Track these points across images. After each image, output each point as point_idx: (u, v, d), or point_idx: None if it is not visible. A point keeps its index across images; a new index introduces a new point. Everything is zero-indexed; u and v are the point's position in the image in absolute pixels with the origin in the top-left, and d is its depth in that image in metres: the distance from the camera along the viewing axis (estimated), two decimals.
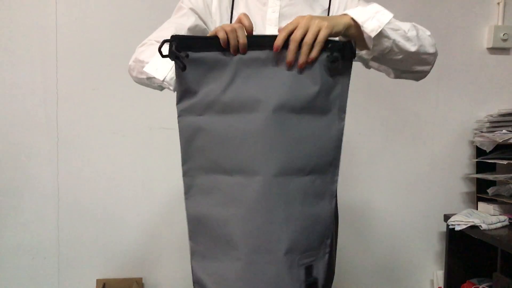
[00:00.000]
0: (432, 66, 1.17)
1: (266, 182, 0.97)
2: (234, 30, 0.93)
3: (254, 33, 1.16)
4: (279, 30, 0.96)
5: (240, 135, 0.97)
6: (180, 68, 0.94)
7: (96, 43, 2.08)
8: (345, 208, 2.35)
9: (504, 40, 2.28)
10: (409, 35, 1.07)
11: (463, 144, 2.33)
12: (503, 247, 1.79)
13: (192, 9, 1.23)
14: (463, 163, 2.34)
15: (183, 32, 1.20)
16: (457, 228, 2.02)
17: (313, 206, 1.02)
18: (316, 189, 1.03)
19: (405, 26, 1.08)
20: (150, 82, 1.09)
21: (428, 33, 1.14)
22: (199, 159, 1.01)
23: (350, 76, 1.01)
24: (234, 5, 1.25)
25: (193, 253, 1.06)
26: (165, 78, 1.03)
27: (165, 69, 1.03)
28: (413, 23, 1.12)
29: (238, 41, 0.94)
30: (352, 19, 1.01)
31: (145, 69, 1.06)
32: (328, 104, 1.01)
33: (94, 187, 2.11)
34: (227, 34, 0.93)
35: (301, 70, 0.96)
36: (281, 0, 1.24)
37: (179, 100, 1.00)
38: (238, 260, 0.98)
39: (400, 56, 1.08)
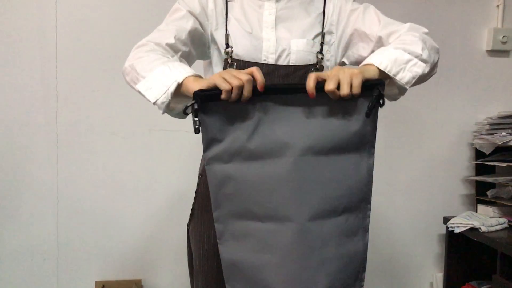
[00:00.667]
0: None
1: (299, 228, 0.95)
2: (241, 86, 0.92)
3: (252, 34, 1.16)
4: (308, 78, 0.93)
5: (269, 181, 0.96)
6: (197, 128, 0.94)
7: (96, 44, 2.08)
8: None
9: (504, 43, 2.28)
10: (424, 57, 1.07)
11: (463, 146, 2.33)
12: (502, 249, 1.79)
13: (189, 12, 1.22)
14: (462, 165, 2.34)
15: (183, 34, 1.18)
16: (457, 230, 2.02)
17: (348, 245, 1.02)
18: (349, 227, 1.02)
19: (418, 49, 1.07)
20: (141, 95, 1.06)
21: (432, 42, 1.15)
22: (229, 206, 1.00)
23: (378, 112, 0.99)
24: (228, 8, 1.24)
25: None
26: (156, 101, 1.00)
27: (158, 92, 1.00)
28: (418, 33, 1.13)
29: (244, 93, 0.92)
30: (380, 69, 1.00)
31: (137, 87, 1.04)
32: (358, 142, 1.00)
33: (93, 189, 2.11)
34: (231, 85, 0.91)
35: (329, 113, 0.95)
36: (277, 3, 1.24)
37: (206, 148, 0.99)
38: None
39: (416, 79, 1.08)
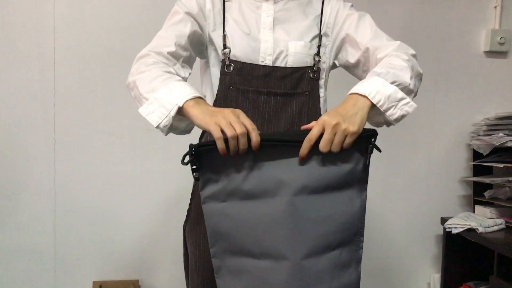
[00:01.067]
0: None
1: (294, 265, 0.97)
2: (236, 137, 0.93)
3: (250, 36, 1.17)
4: (306, 138, 0.95)
5: (265, 220, 0.97)
6: (195, 178, 0.96)
7: (93, 44, 2.08)
8: None
9: (501, 44, 2.29)
10: (411, 87, 1.10)
11: (460, 147, 2.34)
12: (499, 250, 1.79)
13: (188, 13, 1.22)
14: (460, 166, 2.34)
15: (183, 40, 1.19)
16: (454, 231, 2.02)
17: (341, 277, 1.04)
18: (343, 260, 1.04)
19: (407, 77, 1.09)
20: None
21: (418, 68, 1.16)
22: (226, 243, 1.02)
23: (371, 152, 1.02)
24: (226, 8, 1.24)
25: None
26: (158, 125, 1.02)
27: (159, 116, 1.02)
28: (407, 55, 1.15)
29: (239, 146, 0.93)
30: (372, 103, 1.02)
31: (140, 111, 1.06)
32: (351, 179, 1.02)
33: (91, 189, 2.11)
34: (225, 134, 0.92)
35: (323, 153, 0.97)
36: (275, 4, 1.24)
37: (202, 187, 1.00)
38: None
39: None
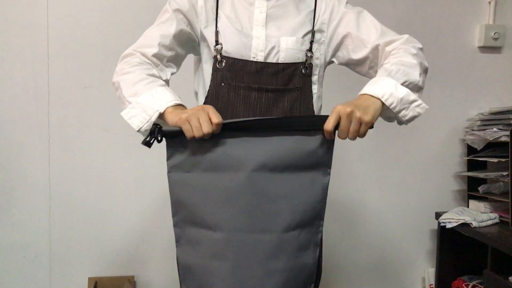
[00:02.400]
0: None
1: (249, 239, 1.02)
2: (199, 127, 0.98)
3: (242, 32, 1.17)
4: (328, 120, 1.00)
5: (224, 193, 1.02)
6: (158, 141, 1.02)
7: (87, 40, 2.07)
8: (337, 205, 2.35)
9: (495, 39, 2.29)
10: (420, 84, 1.14)
11: (455, 142, 2.34)
12: (493, 244, 1.81)
13: (177, 10, 1.22)
14: (454, 161, 2.35)
15: (168, 40, 1.20)
16: (448, 225, 2.03)
17: (297, 258, 1.06)
18: (301, 242, 1.06)
19: (417, 75, 1.13)
20: None
21: (425, 63, 1.20)
22: (186, 213, 1.06)
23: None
24: (219, 4, 1.24)
25: None
26: (139, 129, 1.07)
27: (141, 120, 1.07)
28: (415, 49, 1.19)
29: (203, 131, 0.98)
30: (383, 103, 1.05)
31: (122, 114, 1.09)
32: (312, 162, 1.05)
33: (85, 185, 2.10)
34: (192, 126, 0.98)
35: (286, 132, 1.02)
36: (268, 1, 1.24)
37: (169, 157, 1.05)
38: None
39: None
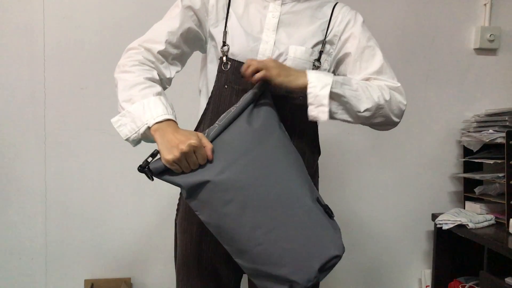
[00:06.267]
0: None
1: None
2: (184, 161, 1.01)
3: (251, 35, 1.19)
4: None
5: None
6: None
7: (84, 41, 2.06)
8: (333, 207, 2.34)
9: (491, 41, 2.30)
10: (359, 115, 1.18)
11: (451, 144, 2.35)
12: (489, 245, 1.81)
13: (189, 7, 1.21)
14: (450, 162, 2.36)
15: (175, 37, 1.19)
16: (445, 227, 2.04)
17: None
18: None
19: (361, 108, 1.17)
20: None
21: (394, 110, 1.26)
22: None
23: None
24: (231, 3, 1.23)
25: None
26: (127, 138, 1.08)
27: (129, 131, 1.07)
28: (387, 96, 1.22)
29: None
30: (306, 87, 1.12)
31: (112, 121, 1.09)
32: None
33: (82, 187, 2.10)
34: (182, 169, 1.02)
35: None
36: (282, 6, 1.23)
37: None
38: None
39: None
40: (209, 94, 1.23)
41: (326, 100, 1.10)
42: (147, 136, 1.08)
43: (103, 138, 2.09)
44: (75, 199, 2.10)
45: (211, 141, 1.04)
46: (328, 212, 1.11)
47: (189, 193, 1.02)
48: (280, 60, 1.20)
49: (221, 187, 1.00)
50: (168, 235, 2.10)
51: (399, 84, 1.26)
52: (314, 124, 1.27)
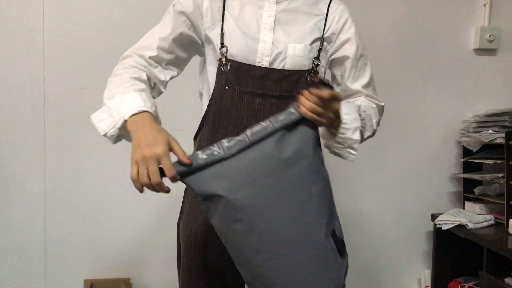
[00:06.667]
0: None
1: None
2: (145, 176, 0.98)
3: (248, 35, 1.17)
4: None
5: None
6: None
7: (83, 41, 2.06)
8: None
9: (490, 41, 2.30)
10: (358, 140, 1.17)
11: (450, 144, 2.35)
12: (489, 246, 1.81)
13: (181, 12, 1.21)
14: (450, 163, 2.36)
15: (167, 43, 1.19)
16: (444, 227, 2.04)
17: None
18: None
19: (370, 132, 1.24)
20: None
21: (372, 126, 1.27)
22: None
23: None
24: (226, 5, 1.22)
25: None
26: (106, 134, 1.06)
27: (107, 125, 1.05)
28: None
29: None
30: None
31: (91, 117, 1.07)
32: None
33: (81, 187, 2.10)
34: (139, 172, 1.00)
35: None
36: (278, 4, 1.22)
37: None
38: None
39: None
40: (210, 96, 1.23)
41: (357, 145, 1.12)
42: (126, 132, 1.05)
43: (103, 138, 2.07)
44: (75, 199, 2.10)
45: (236, 154, 0.98)
46: (340, 249, 1.10)
47: (203, 198, 1.00)
48: (280, 58, 1.20)
49: (232, 206, 0.97)
50: (168, 235, 2.10)
51: (383, 104, 1.33)
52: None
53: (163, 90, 1.24)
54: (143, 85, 1.12)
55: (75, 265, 2.12)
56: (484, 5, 2.31)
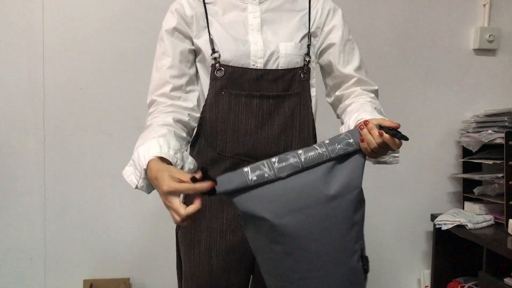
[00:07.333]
0: None
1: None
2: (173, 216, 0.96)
3: (238, 39, 1.17)
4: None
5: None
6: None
7: (83, 41, 2.06)
8: None
9: (490, 42, 2.31)
10: None
11: (450, 144, 2.35)
12: (488, 246, 1.81)
13: (168, 31, 1.20)
14: (449, 163, 2.36)
15: (176, 69, 1.18)
16: (444, 227, 2.04)
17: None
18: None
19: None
20: None
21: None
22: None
23: None
24: (209, 11, 1.21)
25: None
26: (137, 186, 1.07)
27: (136, 178, 1.07)
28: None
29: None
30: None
31: (122, 173, 1.10)
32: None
33: (81, 187, 2.10)
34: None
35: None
36: (260, 5, 1.22)
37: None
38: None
39: None
40: (204, 103, 1.22)
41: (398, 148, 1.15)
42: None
43: (102, 138, 2.09)
44: (74, 199, 2.10)
45: (285, 178, 0.97)
46: (365, 267, 1.11)
47: (244, 214, 0.98)
48: (273, 58, 1.19)
49: (275, 229, 0.96)
50: (167, 236, 2.10)
51: (377, 87, 1.31)
52: (311, 119, 1.27)
53: (197, 115, 1.23)
54: (164, 130, 1.11)
55: (75, 265, 2.12)
56: (484, 5, 2.31)
